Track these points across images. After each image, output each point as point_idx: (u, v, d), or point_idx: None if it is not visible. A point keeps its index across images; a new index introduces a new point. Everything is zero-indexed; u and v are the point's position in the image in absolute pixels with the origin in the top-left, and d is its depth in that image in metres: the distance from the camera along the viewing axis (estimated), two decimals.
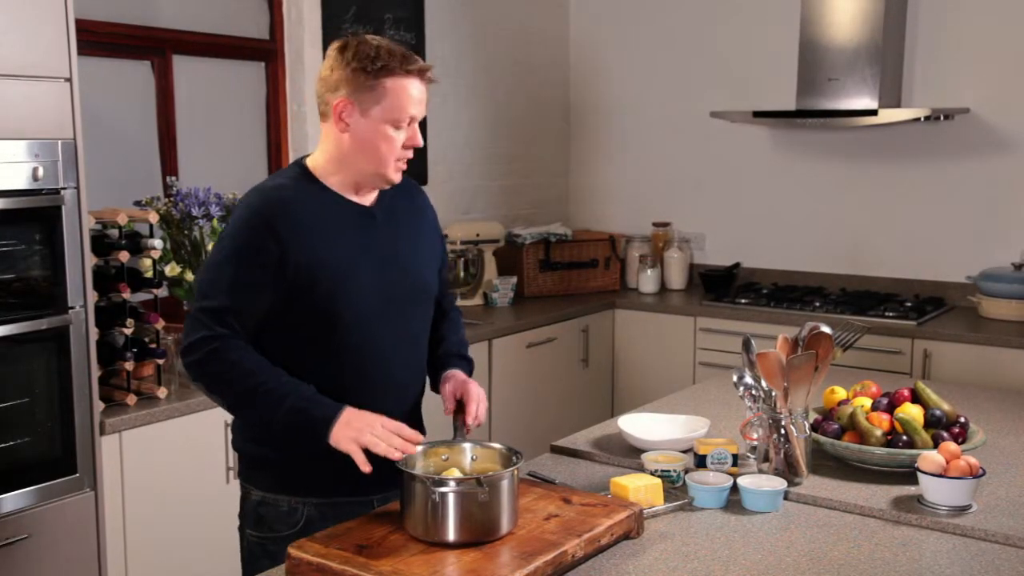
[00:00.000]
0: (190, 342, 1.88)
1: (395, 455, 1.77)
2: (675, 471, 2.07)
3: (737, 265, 4.76)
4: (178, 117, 3.62)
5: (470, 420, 1.99)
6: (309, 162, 1.98)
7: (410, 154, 1.95)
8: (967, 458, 1.97)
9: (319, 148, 1.98)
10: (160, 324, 2.90)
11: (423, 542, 1.70)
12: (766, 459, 2.08)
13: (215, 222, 3.15)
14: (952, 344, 3.75)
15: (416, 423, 2.09)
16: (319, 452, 1.95)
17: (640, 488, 1.94)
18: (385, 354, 1.94)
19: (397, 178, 1.96)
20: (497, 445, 1.89)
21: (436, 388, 2.11)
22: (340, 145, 1.93)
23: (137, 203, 3.15)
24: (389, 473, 1.93)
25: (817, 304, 4.14)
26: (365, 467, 1.77)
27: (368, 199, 2.00)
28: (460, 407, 2.01)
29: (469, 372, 2.13)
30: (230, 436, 2.12)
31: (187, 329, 1.90)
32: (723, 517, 1.95)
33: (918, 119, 4.00)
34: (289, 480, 1.98)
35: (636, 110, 5.04)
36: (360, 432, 1.78)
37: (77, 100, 2.56)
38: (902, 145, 4.34)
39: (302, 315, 1.90)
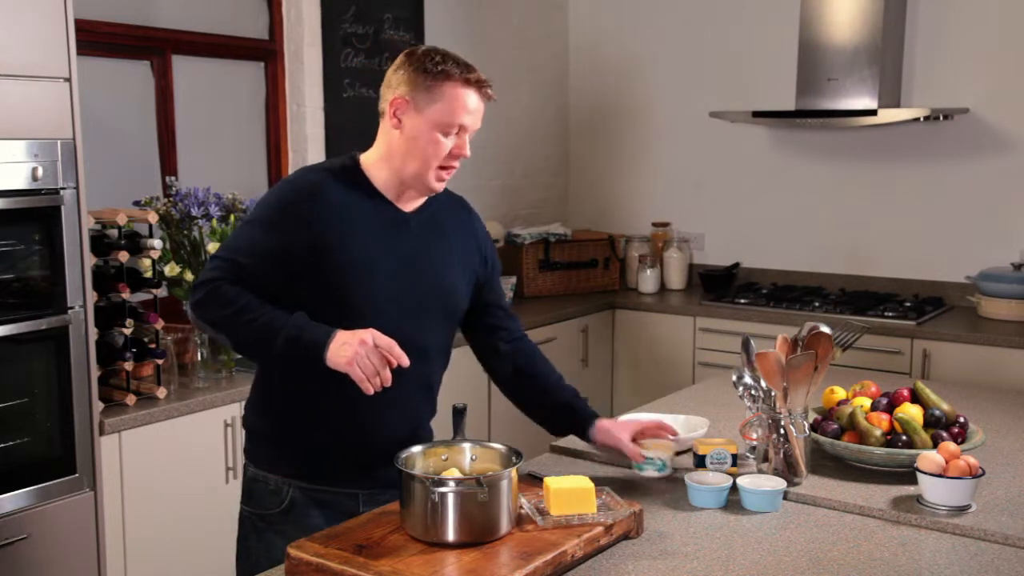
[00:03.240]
0: (196, 283, 1.93)
1: (368, 389, 1.80)
2: (660, 460, 2.07)
3: (736, 265, 4.76)
4: (177, 117, 3.62)
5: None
6: (362, 156, 2.01)
7: (456, 164, 1.96)
8: (966, 458, 1.97)
9: (375, 144, 2.01)
10: (159, 324, 2.90)
11: (422, 542, 1.70)
12: (765, 459, 2.08)
13: (214, 222, 3.15)
14: (951, 344, 3.75)
15: (423, 436, 2.09)
16: (314, 436, 1.99)
17: (563, 492, 1.80)
18: None
19: (437, 187, 1.97)
20: (497, 445, 1.89)
21: (585, 437, 2.17)
22: (390, 142, 1.96)
23: (136, 203, 3.15)
24: (377, 470, 1.96)
25: (816, 304, 4.15)
26: (368, 390, 1.80)
27: (409, 206, 2.01)
28: (458, 412, 2.00)
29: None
30: (241, 414, 2.15)
31: (201, 273, 1.96)
32: (722, 517, 1.95)
33: (917, 119, 4.01)
34: (280, 460, 2.02)
35: (636, 110, 5.04)
36: (355, 357, 1.79)
37: (76, 100, 2.56)
38: (902, 145, 4.34)
39: (312, 299, 1.92)
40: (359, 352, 1.79)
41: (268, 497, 2.02)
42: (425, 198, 2.04)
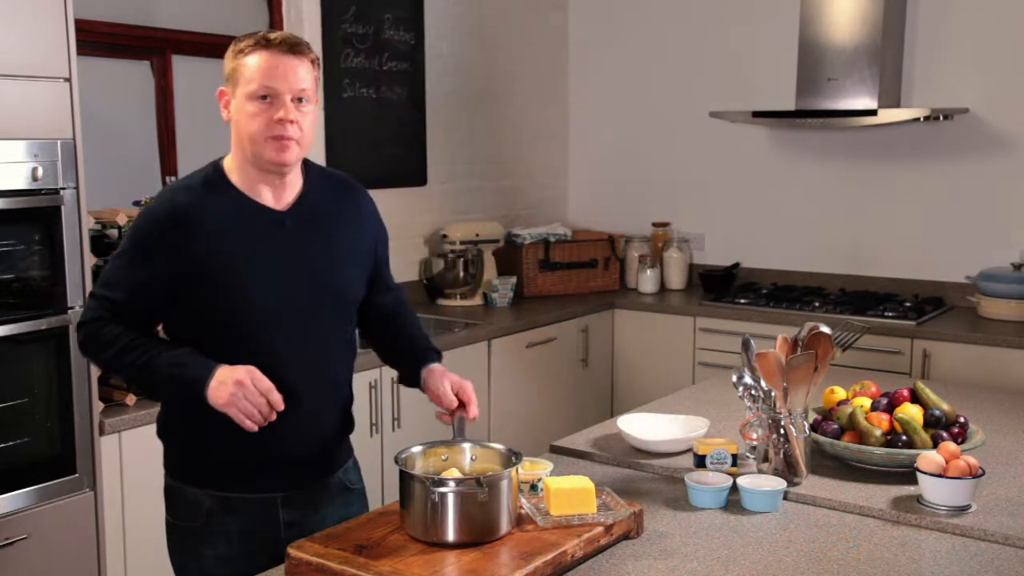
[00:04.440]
0: (78, 323, 1.92)
1: (250, 427, 1.78)
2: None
3: (736, 265, 4.76)
4: (177, 117, 3.62)
5: (473, 413, 1.98)
6: (224, 161, 1.96)
7: (284, 131, 1.84)
8: (966, 458, 1.97)
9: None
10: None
11: (423, 542, 1.70)
12: (765, 459, 2.09)
13: None
14: (951, 344, 3.75)
15: (335, 445, 2.05)
16: (220, 445, 1.93)
17: (563, 492, 1.79)
18: (286, 366, 1.88)
19: (278, 157, 1.86)
20: (496, 445, 1.89)
21: (411, 382, 2.08)
22: (232, 136, 1.92)
23: (136, 203, 3.15)
24: (291, 469, 1.95)
25: (816, 304, 4.15)
26: (251, 427, 1.78)
27: (283, 201, 1.94)
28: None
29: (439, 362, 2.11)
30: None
31: (82, 312, 1.93)
32: (723, 517, 1.95)
33: (917, 119, 4.01)
34: (192, 470, 1.98)
35: (636, 110, 5.04)
36: (233, 397, 1.76)
37: (76, 100, 2.56)
38: (901, 145, 4.34)
39: (197, 319, 1.89)
40: (235, 394, 1.76)
41: (188, 509, 1.98)
42: (298, 190, 1.96)
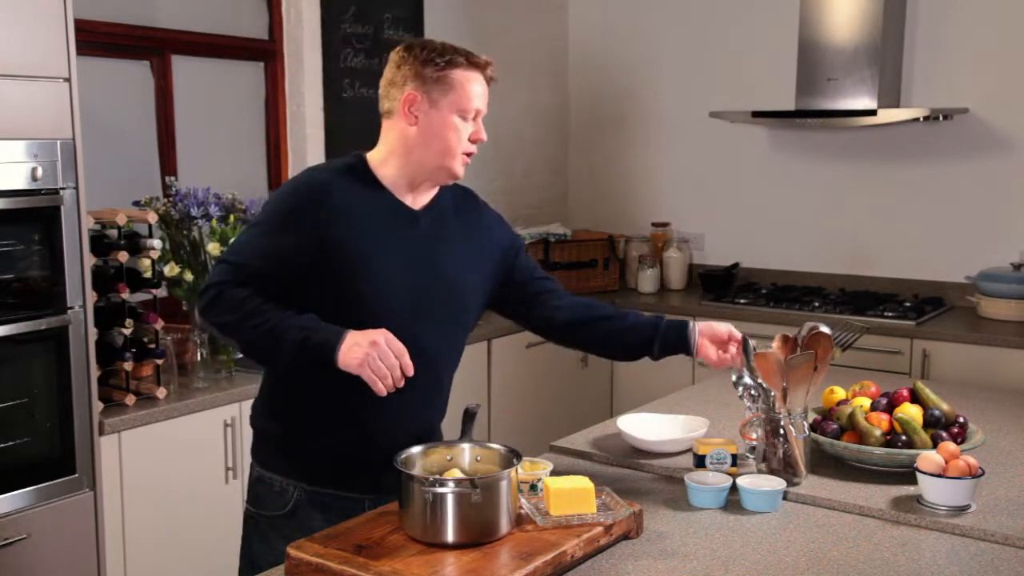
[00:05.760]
0: (203, 287, 1.92)
1: (381, 390, 1.78)
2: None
3: (736, 265, 4.76)
4: (177, 117, 3.62)
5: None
6: (369, 155, 2.01)
7: (475, 149, 1.99)
8: (966, 458, 1.97)
9: (379, 144, 2.00)
10: (159, 324, 2.90)
11: (421, 543, 1.70)
12: (765, 459, 2.08)
13: (214, 222, 3.15)
14: (951, 344, 3.75)
15: (433, 439, 2.07)
16: (322, 440, 1.97)
17: (563, 492, 1.79)
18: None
19: (461, 172, 1.98)
20: (497, 446, 1.89)
21: (665, 350, 2.16)
22: (405, 139, 1.95)
23: (136, 203, 3.15)
24: (386, 475, 1.93)
25: (816, 304, 4.15)
26: (381, 391, 1.79)
27: (419, 202, 2.00)
28: (469, 415, 1.98)
29: None
30: (241, 414, 2.12)
31: (207, 277, 1.94)
32: (722, 517, 1.95)
33: (917, 119, 4.01)
34: (286, 460, 2.00)
35: (636, 110, 5.04)
36: (367, 358, 1.77)
37: (76, 100, 2.56)
38: (901, 145, 4.34)
39: (325, 298, 1.90)
40: (371, 354, 1.77)
41: (273, 498, 2.01)
42: (434, 194, 2.03)
